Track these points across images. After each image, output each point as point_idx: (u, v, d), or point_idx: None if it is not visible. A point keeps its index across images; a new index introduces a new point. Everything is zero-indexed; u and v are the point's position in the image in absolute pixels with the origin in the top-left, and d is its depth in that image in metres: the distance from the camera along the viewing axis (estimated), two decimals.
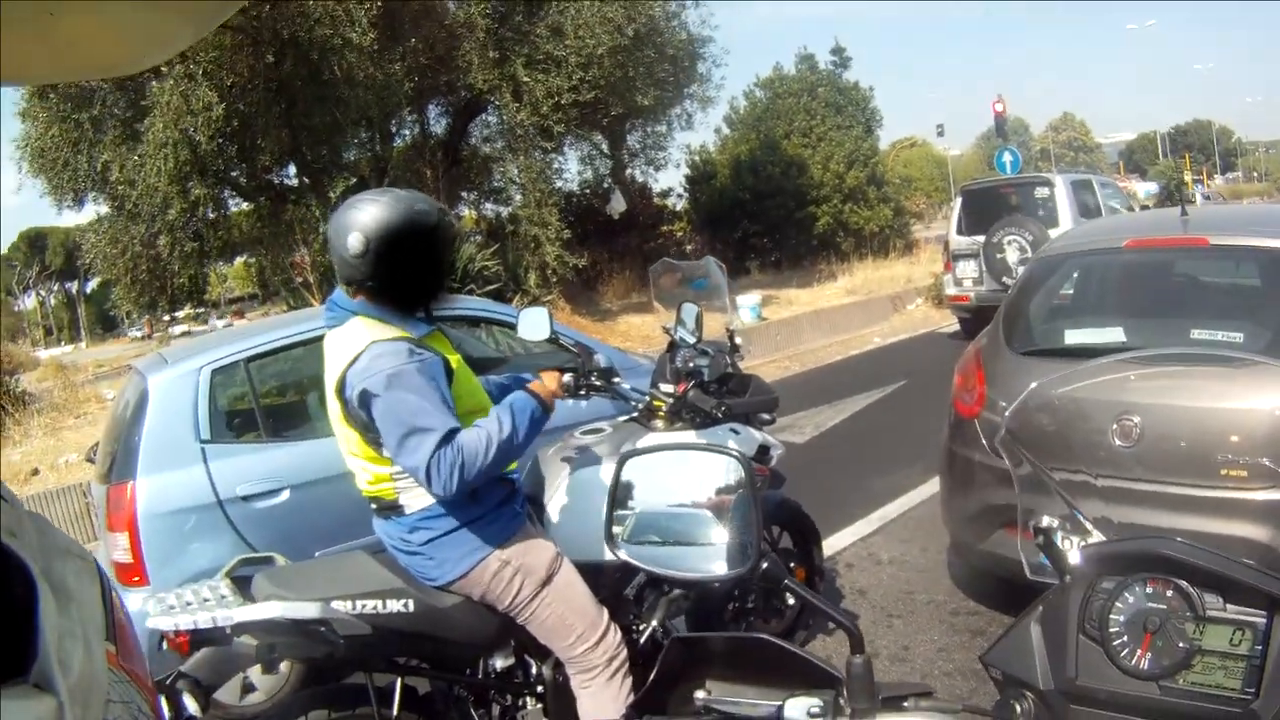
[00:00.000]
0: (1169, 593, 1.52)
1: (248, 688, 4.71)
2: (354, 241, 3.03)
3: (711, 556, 1.68)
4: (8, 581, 0.90)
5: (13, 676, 0.83)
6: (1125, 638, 1.53)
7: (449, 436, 2.93)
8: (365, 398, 2.98)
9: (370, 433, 3.09)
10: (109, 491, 5.00)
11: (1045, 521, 1.67)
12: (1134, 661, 1.52)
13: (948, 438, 5.38)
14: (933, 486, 6.68)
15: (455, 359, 3.26)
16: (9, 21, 0.76)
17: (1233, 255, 5.27)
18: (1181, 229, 5.14)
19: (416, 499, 3.17)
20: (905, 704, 1.38)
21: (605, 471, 3.53)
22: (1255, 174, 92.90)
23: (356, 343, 3.04)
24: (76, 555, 1.08)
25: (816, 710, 1.34)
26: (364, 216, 3.04)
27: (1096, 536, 1.75)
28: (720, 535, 1.68)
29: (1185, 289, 5.50)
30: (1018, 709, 1.55)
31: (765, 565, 1.51)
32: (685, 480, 1.79)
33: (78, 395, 17.20)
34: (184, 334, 28.95)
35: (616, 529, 1.80)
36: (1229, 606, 1.49)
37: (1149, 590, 1.54)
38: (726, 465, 1.72)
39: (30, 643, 0.86)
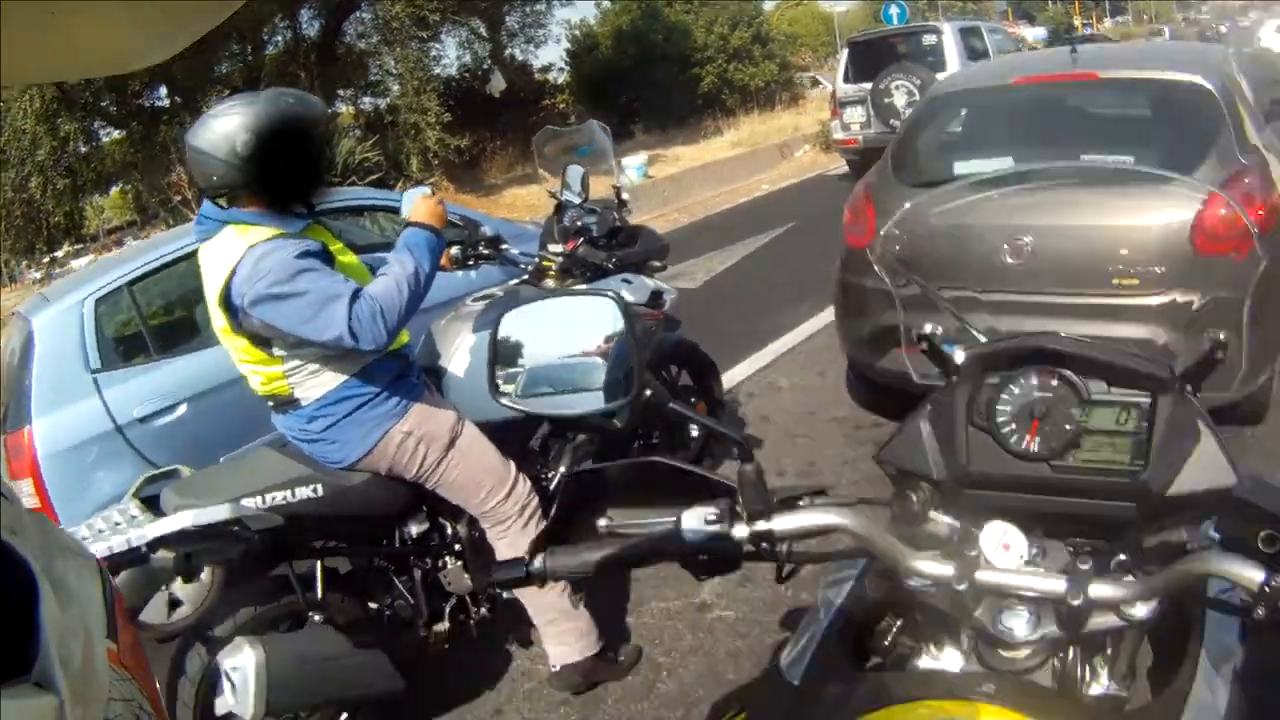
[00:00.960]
0: (1054, 381, 1.54)
1: (173, 603, 4.71)
2: (221, 147, 2.96)
3: (599, 395, 1.67)
4: (9, 580, 0.90)
5: (14, 675, 0.83)
6: (1013, 425, 1.56)
7: (356, 294, 2.93)
8: (257, 303, 2.93)
9: (258, 338, 3.07)
10: (6, 440, 4.89)
11: (928, 328, 1.66)
12: (1024, 446, 1.54)
13: (840, 268, 5.48)
14: (826, 318, 6.83)
15: (337, 245, 3.24)
16: (9, 21, 0.74)
17: (1121, 87, 5.41)
18: (1071, 65, 5.28)
19: (311, 390, 3.17)
20: (800, 502, 1.40)
21: None
22: (1146, 16, 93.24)
23: (233, 251, 2.98)
24: (77, 554, 1.11)
25: (713, 517, 1.36)
26: (226, 122, 2.97)
27: (981, 340, 1.77)
28: (613, 373, 1.68)
29: (1075, 121, 5.58)
30: (914, 498, 1.55)
31: (648, 392, 1.52)
32: (569, 330, 1.78)
33: None
34: (92, 261, 28.24)
35: (507, 387, 1.79)
36: (1113, 390, 1.52)
37: (1034, 381, 1.56)
38: (602, 306, 1.69)
39: (31, 641, 0.86)
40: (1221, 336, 1.49)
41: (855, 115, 15.47)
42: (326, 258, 3.05)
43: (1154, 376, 1.48)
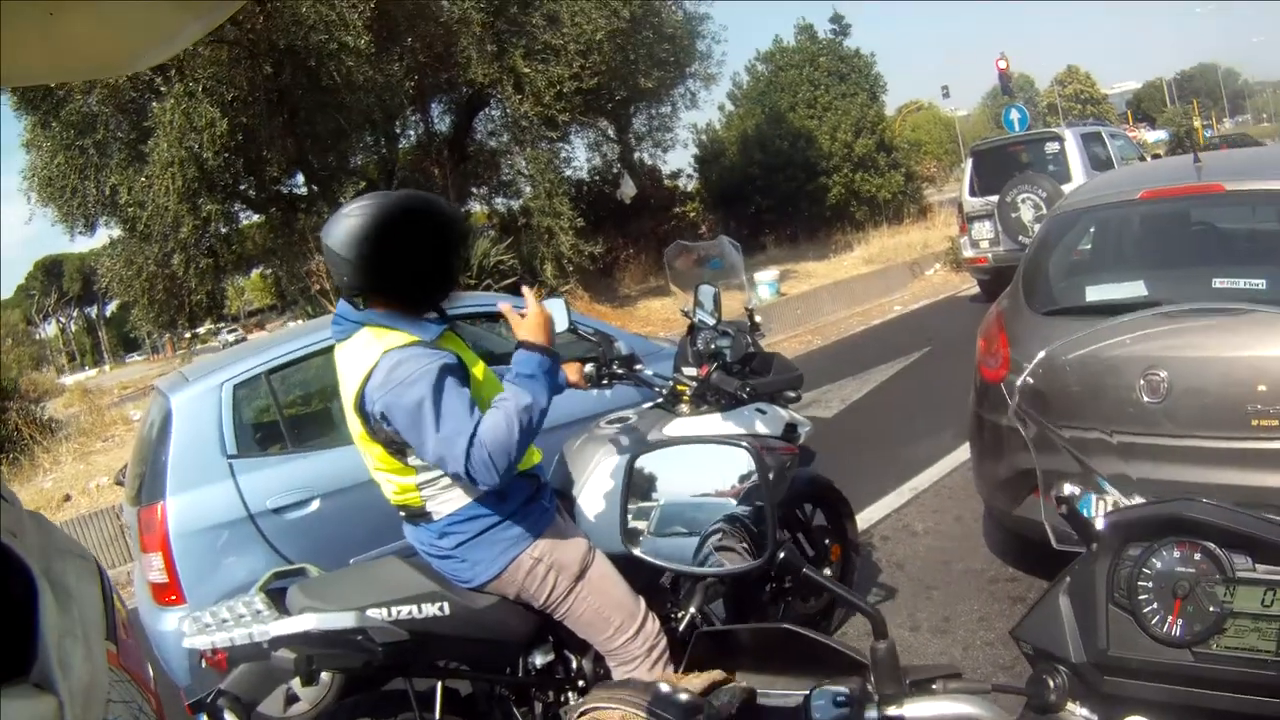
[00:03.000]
0: (1196, 555, 1.49)
1: (291, 699, 4.72)
2: (349, 247, 2.93)
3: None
4: (8, 581, 0.90)
5: (14, 676, 0.84)
6: (1155, 605, 1.51)
7: (476, 432, 2.85)
8: (388, 411, 2.91)
9: (393, 446, 3.04)
10: (140, 513, 4.99)
11: (1067, 490, 1.62)
12: (1166, 629, 1.49)
13: (974, 403, 5.33)
14: (963, 454, 6.66)
15: (469, 356, 3.20)
16: (9, 21, 0.76)
17: (1248, 200, 5.17)
18: (1195, 176, 5.06)
19: (444, 505, 3.14)
20: (934, 686, 1.34)
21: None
22: (1264, 115, 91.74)
23: (369, 355, 2.96)
24: (77, 555, 1.10)
25: (843, 699, 1.31)
26: (356, 221, 2.94)
27: (1114, 495, 1.72)
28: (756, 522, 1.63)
29: (1204, 238, 5.38)
30: (1050, 684, 1.52)
31: (782, 555, 1.49)
32: (703, 478, 1.74)
33: (104, 418, 17.27)
34: (238, 340, 28.94)
35: (639, 523, 1.76)
36: (1259, 566, 1.46)
37: (1176, 554, 1.50)
38: (737, 457, 1.66)
39: (31, 642, 0.87)
40: None
41: (984, 231, 15.32)
42: (461, 372, 2.99)
43: None
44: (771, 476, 3.86)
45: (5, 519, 0.95)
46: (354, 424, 3.11)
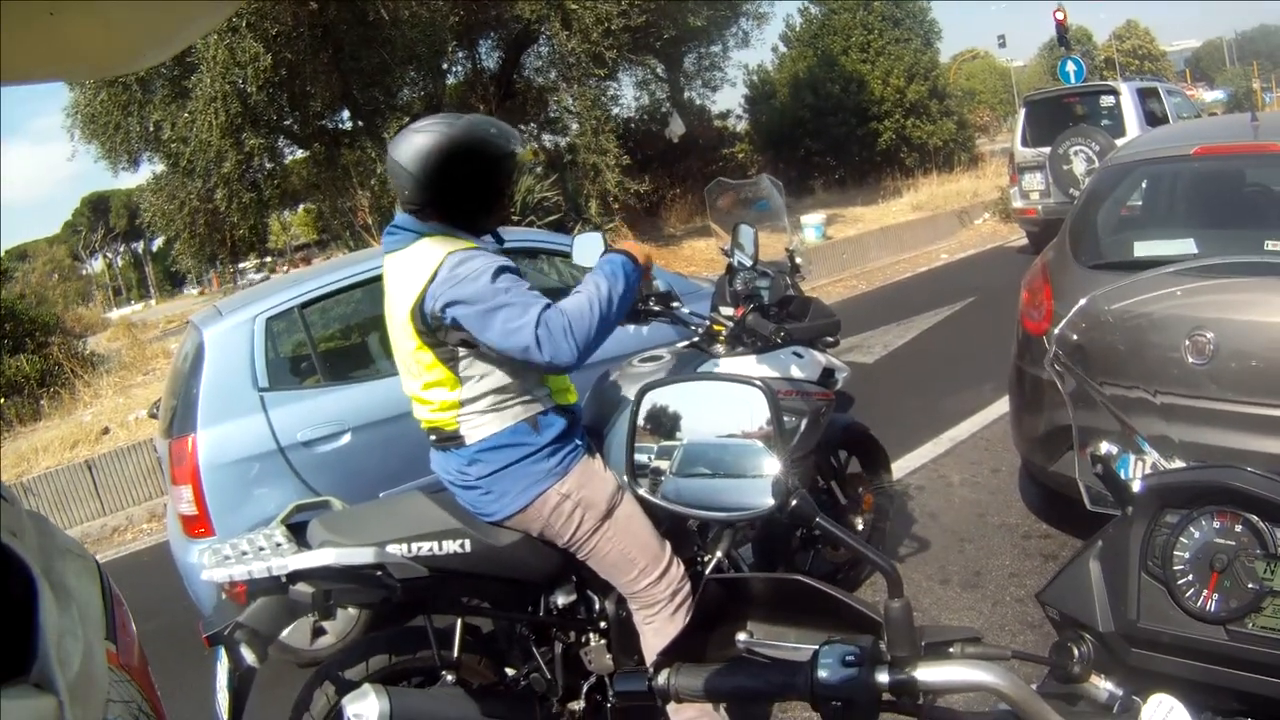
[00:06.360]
0: (1238, 528, 1.41)
1: (318, 630, 4.74)
2: (414, 161, 3.05)
3: (760, 490, 1.51)
4: (8, 581, 0.91)
5: (13, 676, 0.84)
6: (1190, 577, 1.43)
7: (547, 307, 2.91)
8: (453, 303, 2.93)
9: (445, 351, 3.05)
10: (171, 445, 5.03)
11: (1104, 449, 1.55)
12: (1199, 603, 1.42)
13: (1016, 355, 5.27)
14: (1003, 406, 6.52)
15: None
16: (9, 21, 0.76)
17: None
18: (1252, 135, 4.96)
19: (478, 429, 3.12)
20: (950, 650, 1.26)
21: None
22: None
23: (432, 257, 3.00)
24: (77, 555, 1.13)
25: (852, 657, 1.22)
26: (424, 138, 3.06)
27: (1153, 456, 1.64)
28: (772, 466, 1.53)
29: (1258, 198, 5.26)
30: (1075, 652, 1.44)
31: (794, 502, 1.39)
32: (714, 418, 1.65)
33: (145, 352, 17.45)
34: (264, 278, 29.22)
35: (661, 463, 1.65)
36: None
37: (1216, 525, 1.43)
38: (750, 396, 1.56)
39: (31, 642, 0.87)
40: None
41: (1034, 182, 15.08)
42: (520, 274, 3.04)
43: None
44: (805, 421, 3.78)
45: (5, 519, 0.95)
46: (405, 331, 3.11)
